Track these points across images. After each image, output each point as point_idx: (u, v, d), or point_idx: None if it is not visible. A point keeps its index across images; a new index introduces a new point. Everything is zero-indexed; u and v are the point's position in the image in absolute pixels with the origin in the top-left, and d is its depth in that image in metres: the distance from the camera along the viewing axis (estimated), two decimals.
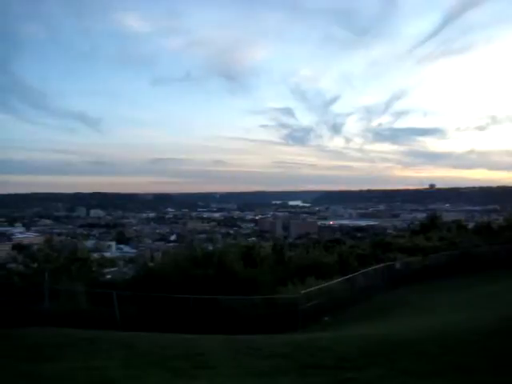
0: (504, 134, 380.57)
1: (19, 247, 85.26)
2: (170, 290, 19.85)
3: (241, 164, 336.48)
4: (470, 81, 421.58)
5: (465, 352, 10.22)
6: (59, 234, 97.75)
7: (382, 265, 27.68)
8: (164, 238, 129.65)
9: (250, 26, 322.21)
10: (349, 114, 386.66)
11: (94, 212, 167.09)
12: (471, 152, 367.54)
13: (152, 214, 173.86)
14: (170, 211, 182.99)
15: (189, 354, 11.94)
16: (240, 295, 20.71)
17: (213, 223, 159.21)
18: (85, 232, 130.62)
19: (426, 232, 41.68)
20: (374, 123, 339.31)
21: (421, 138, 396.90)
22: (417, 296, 24.61)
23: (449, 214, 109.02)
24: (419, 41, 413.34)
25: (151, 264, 27.27)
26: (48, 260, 23.00)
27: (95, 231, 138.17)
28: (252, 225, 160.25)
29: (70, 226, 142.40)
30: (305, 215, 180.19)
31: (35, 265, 23.58)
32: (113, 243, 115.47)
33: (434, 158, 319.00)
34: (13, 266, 28.06)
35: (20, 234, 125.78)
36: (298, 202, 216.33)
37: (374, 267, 27.10)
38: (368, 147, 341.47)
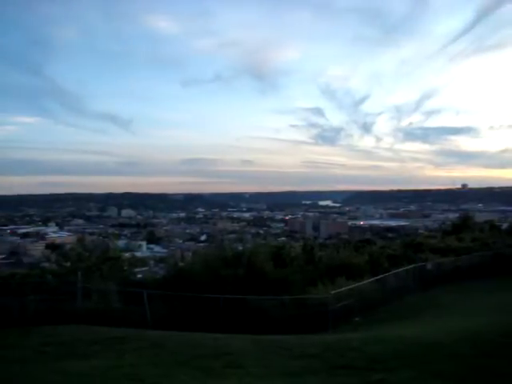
0: None
1: (52, 246, 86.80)
2: (200, 289, 19.91)
3: (271, 164, 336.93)
4: (503, 78, 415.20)
5: (499, 355, 10.03)
6: (91, 234, 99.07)
7: (413, 265, 27.33)
8: (194, 238, 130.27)
9: (280, 25, 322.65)
10: (379, 114, 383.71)
11: (125, 212, 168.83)
12: (505, 151, 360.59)
13: (182, 214, 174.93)
14: (201, 211, 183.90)
15: (218, 354, 11.96)
16: (270, 295, 20.66)
17: (243, 223, 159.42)
18: (116, 232, 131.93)
19: (458, 232, 41.14)
20: (405, 122, 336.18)
21: (453, 137, 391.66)
22: (449, 297, 24.27)
23: (481, 214, 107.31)
24: (451, 38, 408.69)
25: (181, 264, 27.37)
26: (80, 259, 23.28)
27: (126, 231, 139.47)
28: (282, 225, 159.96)
29: (101, 226, 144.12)
30: (335, 215, 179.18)
31: (68, 264, 23.89)
32: (143, 243, 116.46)
33: (466, 158, 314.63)
34: (46, 264, 28.52)
35: (53, 233, 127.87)
36: (328, 202, 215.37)
37: (405, 268, 26.78)
38: (398, 147, 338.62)
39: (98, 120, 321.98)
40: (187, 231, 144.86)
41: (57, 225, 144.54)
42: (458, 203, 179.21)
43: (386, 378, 8.81)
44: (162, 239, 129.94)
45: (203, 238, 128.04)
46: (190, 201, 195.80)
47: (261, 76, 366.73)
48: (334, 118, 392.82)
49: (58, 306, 18.58)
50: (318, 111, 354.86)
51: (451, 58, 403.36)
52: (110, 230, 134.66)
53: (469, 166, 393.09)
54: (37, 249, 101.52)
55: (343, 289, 21.30)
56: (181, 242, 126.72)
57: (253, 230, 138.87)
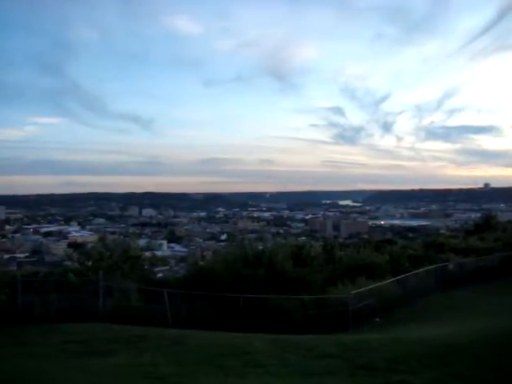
0: None
1: (74, 245, 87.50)
2: (220, 289, 19.94)
3: (291, 163, 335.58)
4: None
5: None
6: (112, 233, 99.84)
7: (434, 266, 27.10)
8: (214, 237, 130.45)
9: (300, 25, 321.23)
10: (400, 113, 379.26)
11: (146, 211, 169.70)
12: None
13: (203, 214, 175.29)
14: (221, 211, 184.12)
15: (238, 353, 11.99)
16: (290, 295, 20.64)
17: (263, 223, 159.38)
18: (137, 231, 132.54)
19: (480, 232, 40.68)
20: (426, 121, 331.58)
21: (475, 136, 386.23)
22: (470, 298, 24.03)
23: (504, 214, 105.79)
24: (472, 36, 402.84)
25: (202, 263, 27.41)
26: (102, 258, 23.44)
27: (147, 230, 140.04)
28: (302, 224, 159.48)
29: (122, 225, 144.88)
30: (355, 215, 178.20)
31: (89, 263, 24.07)
32: (164, 242, 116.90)
33: (488, 157, 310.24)
34: (68, 263, 28.78)
35: (75, 232, 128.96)
36: (349, 202, 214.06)
37: (426, 268, 26.56)
38: (420, 146, 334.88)
39: (119, 120, 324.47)
40: (207, 230, 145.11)
41: (79, 224, 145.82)
42: (480, 203, 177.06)
43: (406, 379, 8.76)
44: (183, 238, 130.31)
45: (223, 237, 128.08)
46: (210, 200, 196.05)
47: (281, 75, 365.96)
48: (355, 117, 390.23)
49: (80, 304, 18.75)
50: (338, 110, 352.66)
51: (473, 56, 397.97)
52: (131, 230, 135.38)
53: (491, 165, 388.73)
54: (59, 248, 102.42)
55: (363, 289, 21.19)
56: (201, 241, 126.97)
57: (273, 230, 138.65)
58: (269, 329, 16.93)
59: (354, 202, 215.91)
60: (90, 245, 31.88)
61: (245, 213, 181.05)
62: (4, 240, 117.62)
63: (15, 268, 42.45)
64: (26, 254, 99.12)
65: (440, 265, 27.71)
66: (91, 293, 19.11)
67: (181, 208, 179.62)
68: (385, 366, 9.86)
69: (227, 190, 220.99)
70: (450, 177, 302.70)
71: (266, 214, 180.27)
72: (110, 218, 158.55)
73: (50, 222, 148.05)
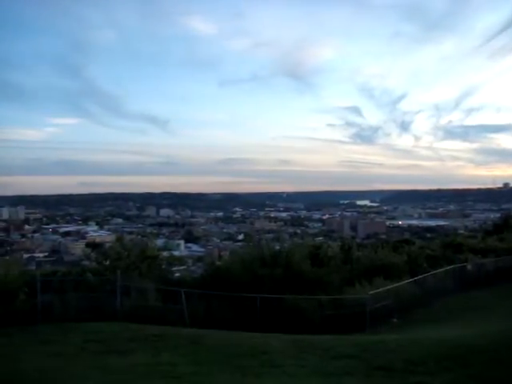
0: None
1: (92, 245, 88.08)
2: (238, 288, 19.97)
3: (308, 163, 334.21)
4: None
5: None
6: (130, 233, 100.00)
7: (452, 266, 26.91)
8: (231, 237, 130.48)
9: (316, 24, 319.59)
10: (418, 112, 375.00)
11: (163, 211, 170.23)
12: None
13: (220, 214, 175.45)
14: (238, 211, 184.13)
15: (255, 353, 12.01)
16: (307, 295, 20.62)
17: (280, 223, 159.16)
18: (154, 231, 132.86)
19: (499, 233, 40.31)
20: (444, 120, 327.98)
21: (493, 135, 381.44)
22: (489, 299, 23.82)
23: None
24: (491, 34, 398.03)
25: (219, 263, 27.44)
26: (119, 258, 23.54)
27: (165, 230, 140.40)
28: (319, 224, 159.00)
29: (140, 225, 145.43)
30: (373, 215, 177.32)
31: (107, 262, 24.21)
32: (181, 242, 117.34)
33: (507, 156, 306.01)
34: (86, 263, 28.96)
35: (93, 232, 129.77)
36: (366, 202, 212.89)
37: (444, 268, 26.39)
38: (438, 145, 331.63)
39: (135, 120, 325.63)
40: (224, 230, 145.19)
41: (97, 224, 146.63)
42: (499, 203, 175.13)
43: (423, 381, 8.72)
44: (200, 238, 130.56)
45: (240, 237, 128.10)
46: (227, 200, 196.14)
47: (297, 75, 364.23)
48: (372, 116, 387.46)
49: (98, 303, 18.89)
50: (356, 110, 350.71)
51: (491, 55, 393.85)
52: (149, 229, 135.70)
53: (510, 165, 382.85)
54: (77, 247, 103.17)
55: (381, 289, 21.11)
56: (218, 241, 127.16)
57: (290, 230, 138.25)
58: (286, 329, 16.93)
59: (372, 202, 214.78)
60: (107, 244, 31.99)
61: (262, 213, 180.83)
62: (23, 240, 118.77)
63: (34, 267, 42.92)
64: (45, 254, 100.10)
65: (458, 265, 27.51)
66: (109, 292, 19.24)
67: (198, 208, 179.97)
68: (402, 367, 9.82)
69: (244, 190, 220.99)
70: (468, 176, 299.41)
71: (283, 214, 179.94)
72: (128, 218, 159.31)
73: (68, 222, 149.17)
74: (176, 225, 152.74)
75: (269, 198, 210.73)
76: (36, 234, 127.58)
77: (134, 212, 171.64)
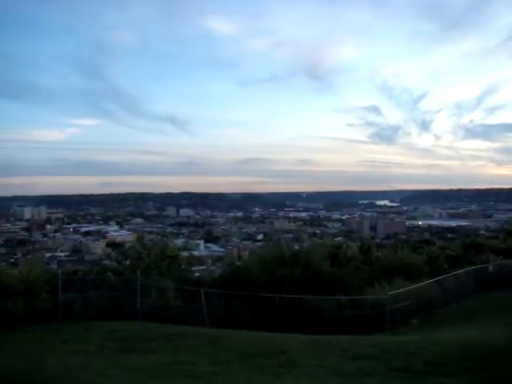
0: None
1: (113, 245, 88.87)
2: (257, 288, 19.98)
3: (327, 163, 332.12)
4: None
5: None
6: (150, 233, 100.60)
7: (473, 267, 26.62)
8: (251, 237, 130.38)
9: (335, 23, 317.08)
10: (438, 111, 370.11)
11: (183, 211, 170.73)
12: None
13: (239, 214, 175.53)
14: (257, 211, 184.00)
15: (274, 353, 12.03)
16: (326, 295, 20.58)
17: (299, 223, 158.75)
18: (174, 231, 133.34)
19: None
20: (465, 119, 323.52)
21: None
22: (511, 300, 23.55)
23: None
24: None
25: (238, 263, 27.51)
26: (139, 257, 23.73)
27: (184, 230, 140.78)
28: (338, 224, 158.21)
29: (160, 225, 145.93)
30: (393, 215, 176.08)
31: (127, 262, 24.43)
32: (201, 242, 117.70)
33: None
34: (107, 262, 29.26)
35: (114, 232, 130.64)
36: (386, 202, 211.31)
37: (465, 269, 26.11)
38: (458, 144, 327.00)
39: (156, 121, 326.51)
40: (244, 230, 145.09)
41: (117, 224, 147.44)
42: None
43: (444, 383, 8.67)
44: (220, 238, 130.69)
45: (260, 237, 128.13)
46: (246, 200, 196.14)
47: (317, 75, 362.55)
48: (392, 116, 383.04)
49: (118, 302, 19.08)
50: (375, 109, 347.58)
51: None
52: (169, 229, 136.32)
53: None
54: (98, 247, 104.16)
55: (401, 290, 20.96)
56: (238, 241, 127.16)
57: (309, 230, 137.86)
58: (305, 329, 16.91)
59: (392, 202, 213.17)
60: (128, 244, 32.27)
61: (281, 213, 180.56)
62: (45, 239, 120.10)
63: (56, 266, 43.44)
64: (67, 253, 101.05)
65: (479, 266, 27.21)
66: (129, 292, 19.40)
67: (218, 208, 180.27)
68: (422, 369, 9.77)
69: (264, 190, 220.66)
70: (489, 176, 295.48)
71: (303, 214, 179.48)
72: (148, 218, 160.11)
73: (89, 222, 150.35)
74: (196, 225, 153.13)
75: (288, 197, 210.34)
76: (57, 234, 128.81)
77: (153, 212, 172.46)
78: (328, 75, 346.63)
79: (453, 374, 9.25)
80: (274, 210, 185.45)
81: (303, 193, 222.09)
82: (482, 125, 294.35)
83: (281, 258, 24.12)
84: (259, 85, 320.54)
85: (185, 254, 31.39)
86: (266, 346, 13.01)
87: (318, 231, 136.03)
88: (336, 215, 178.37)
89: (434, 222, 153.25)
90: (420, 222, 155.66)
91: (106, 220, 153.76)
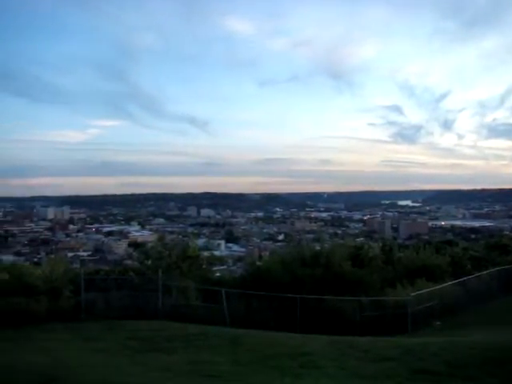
0: None
1: (135, 245, 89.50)
2: (278, 289, 19.96)
3: (349, 163, 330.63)
4: None
5: None
6: (171, 233, 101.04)
7: (497, 268, 26.30)
8: (272, 238, 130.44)
9: (355, 22, 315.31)
10: (461, 110, 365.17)
11: (204, 211, 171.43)
12: None
13: (260, 214, 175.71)
14: (278, 211, 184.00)
15: (295, 354, 11.98)
16: (347, 296, 20.47)
17: (320, 223, 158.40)
18: (195, 231, 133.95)
19: None
20: (488, 118, 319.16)
21: None
22: None
23: None
24: None
25: (259, 263, 27.48)
26: (161, 257, 23.84)
27: (205, 230, 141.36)
28: (360, 225, 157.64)
29: (181, 225, 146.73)
30: (415, 215, 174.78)
31: (149, 262, 24.55)
32: (222, 242, 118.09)
33: None
34: (129, 262, 29.45)
35: (136, 232, 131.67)
36: (408, 202, 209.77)
37: (488, 271, 25.81)
38: (482, 144, 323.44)
39: (176, 122, 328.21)
40: (265, 230, 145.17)
41: (139, 224, 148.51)
42: None
43: None
44: (240, 238, 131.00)
45: (281, 237, 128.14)
46: (267, 200, 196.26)
47: (337, 74, 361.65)
48: (413, 115, 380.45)
49: (140, 302, 19.19)
50: (397, 109, 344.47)
51: None
52: (190, 229, 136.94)
53: None
54: (120, 247, 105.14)
55: (423, 291, 20.78)
56: (258, 241, 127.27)
57: (330, 230, 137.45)
58: (326, 330, 16.86)
59: (414, 202, 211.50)
60: (149, 244, 32.47)
61: (302, 213, 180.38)
62: (68, 239, 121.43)
63: (78, 266, 43.83)
64: (89, 253, 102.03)
65: (504, 267, 26.86)
66: (151, 291, 19.50)
67: (238, 208, 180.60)
68: (444, 371, 9.66)
69: (285, 190, 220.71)
70: None
71: (324, 215, 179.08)
72: (169, 218, 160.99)
73: (111, 222, 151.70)
74: (216, 225, 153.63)
75: (309, 198, 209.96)
76: (80, 234, 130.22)
77: (175, 212, 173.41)
78: (348, 75, 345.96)
79: (475, 377, 9.13)
80: (294, 210, 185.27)
81: (324, 193, 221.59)
82: (505, 123, 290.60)
83: (302, 259, 24.07)
84: (278, 85, 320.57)
85: (206, 254, 31.46)
86: (286, 347, 12.98)
87: (339, 231, 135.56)
88: (357, 215, 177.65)
89: (457, 223, 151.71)
90: (443, 223, 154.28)
91: (128, 220, 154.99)
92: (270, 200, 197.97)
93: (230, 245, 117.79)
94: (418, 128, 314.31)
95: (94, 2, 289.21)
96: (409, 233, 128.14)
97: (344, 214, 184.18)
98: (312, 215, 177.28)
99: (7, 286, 18.32)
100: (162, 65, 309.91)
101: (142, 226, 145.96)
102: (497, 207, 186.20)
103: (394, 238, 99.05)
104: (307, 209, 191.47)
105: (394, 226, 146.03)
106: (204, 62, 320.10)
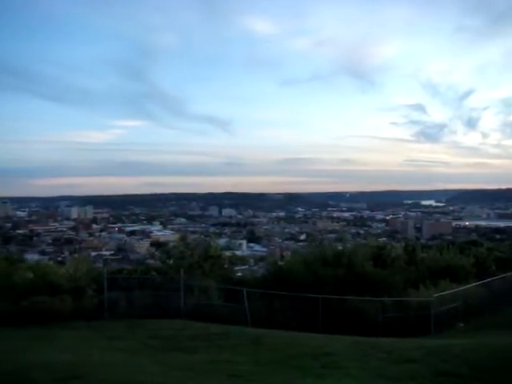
0: None
1: (157, 244, 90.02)
2: (299, 289, 19.89)
3: (371, 163, 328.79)
4: None
5: None
6: (193, 232, 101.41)
7: None
8: (293, 237, 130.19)
9: (377, 21, 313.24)
10: (485, 108, 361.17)
11: (225, 211, 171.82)
12: None
13: (282, 214, 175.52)
14: (300, 211, 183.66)
15: (317, 354, 11.94)
16: (369, 296, 20.35)
17: (342, 223, 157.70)
18: (217, 230, 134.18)
19: None
20: None
21: None
22: None
23: None
24: None
25: (281, 263, 27.44)
26: (183, 257, 23.95)
27: (227, 230, 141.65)
28: (382, 225, 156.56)
29: (203, 225, 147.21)
30: (438, 215, 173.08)
31: (171, 261, 24.68)
32: (244, 242, 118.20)
33: None
34: (151, 261, 29.61)
35: (158, 231, 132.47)
36: (431, 202, 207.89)
37: None
38: (507, 142, 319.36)
39: (197, 122, 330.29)
40: (286, 230, 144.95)
41: (161, 223, 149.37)
42: None
43: None
44: (262, 238, 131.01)
45: (302, 237, 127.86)
46: (289, 200, 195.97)
47: (359, 73, 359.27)
48: (437, 114, 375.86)
49: (162, 301, 19.30)
50: (420, 107, 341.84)
51: None
52: (212, 229, 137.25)
53: None
54: (142, 246, 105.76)
55: (447, 292, 20.56)
56: (280, 241, 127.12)
57: (353, 230, 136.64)
58: (348, 330, 16.78)
59: (437, 201, 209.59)
60: (171, 244, 32.59)
61: (324, 213, 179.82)
62: (91, 238, 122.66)
63: (101, 265, 44.21)
64: (112, 252, 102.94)
65: None
66: (173, 291, 19.59)
67: (260, 208, 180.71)
68: (468, 374, 9.54)
69: (306, 190, 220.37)
70: None
71: (346, 214, 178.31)
72: (191, 218, 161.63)
73: (133, 222, 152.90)
74: (238, 225, 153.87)
75: (331, 197, 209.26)
76: (103, 233, 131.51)
77: (197, 212, 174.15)
78: (371, 74, 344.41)
79: (499, 381, 9.01)
80: (316, 209, 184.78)
81: (346, 193, 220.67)
82: None
83: (323, 259, 23.99)
84: (300, 84, 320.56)
85: (227, 253, 31.43)
86: (308, 347, 12.94)
87: (361, 231, 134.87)
88: (380, 215, 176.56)
89: (482, 223, 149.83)
90: (467, 223, 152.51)
91: (150, 220, 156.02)
92: (291, 200, 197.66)
93: (252, 245, 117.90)
94: (441, 127, 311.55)
95: (114, 3, 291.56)
96: (432, 233, 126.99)
97: (366, 213, 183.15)
98: (334, 215, 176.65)
99: (32, 284, 18.60)
100: (182, 65, 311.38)
101: (164, 225, 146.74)
102: None
103: (417, 238, 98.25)
104: (329, 208, 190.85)
105: (417, 226, 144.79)
106: (224, 61, 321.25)
